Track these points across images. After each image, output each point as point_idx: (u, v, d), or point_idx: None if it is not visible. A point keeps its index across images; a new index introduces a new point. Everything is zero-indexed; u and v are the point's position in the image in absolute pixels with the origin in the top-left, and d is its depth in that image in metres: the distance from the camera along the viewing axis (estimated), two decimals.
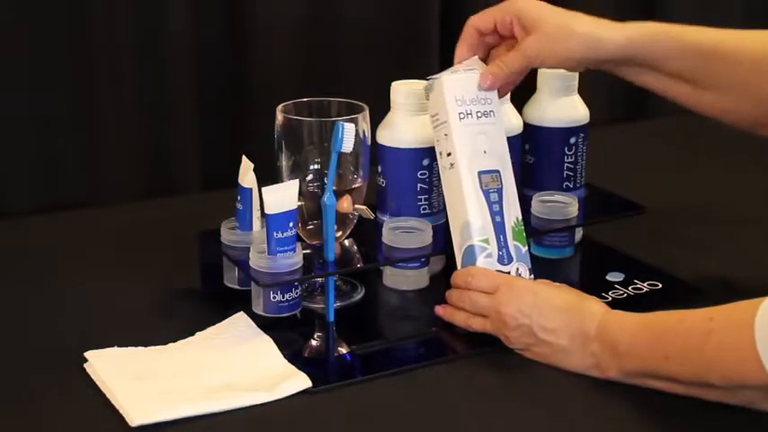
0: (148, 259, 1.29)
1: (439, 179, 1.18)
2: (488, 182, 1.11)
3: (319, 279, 1.14)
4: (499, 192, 1.11)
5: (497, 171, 1.12)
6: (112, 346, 1.06)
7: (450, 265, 1.16)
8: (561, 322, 1.03)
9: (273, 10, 1.56)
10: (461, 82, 1.12)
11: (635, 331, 0.99)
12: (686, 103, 1.17)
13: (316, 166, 1.13)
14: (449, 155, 1.11)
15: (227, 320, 1.11)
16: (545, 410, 0.99)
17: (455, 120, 1.11)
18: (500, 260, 1.10)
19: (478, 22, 1.16)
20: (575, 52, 1.13)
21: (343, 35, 1.63)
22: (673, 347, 0.96)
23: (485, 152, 1.11)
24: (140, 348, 1.06)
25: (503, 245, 1.10)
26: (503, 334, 1.06)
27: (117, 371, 1.02)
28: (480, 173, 1.11)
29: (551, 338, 1.03)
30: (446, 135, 1.11)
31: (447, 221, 1.19)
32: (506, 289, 1.06)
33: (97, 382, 1.01)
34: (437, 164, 1.17)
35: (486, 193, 1.10)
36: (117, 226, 1.39)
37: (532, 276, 1.12)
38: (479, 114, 1.12)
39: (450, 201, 1.12)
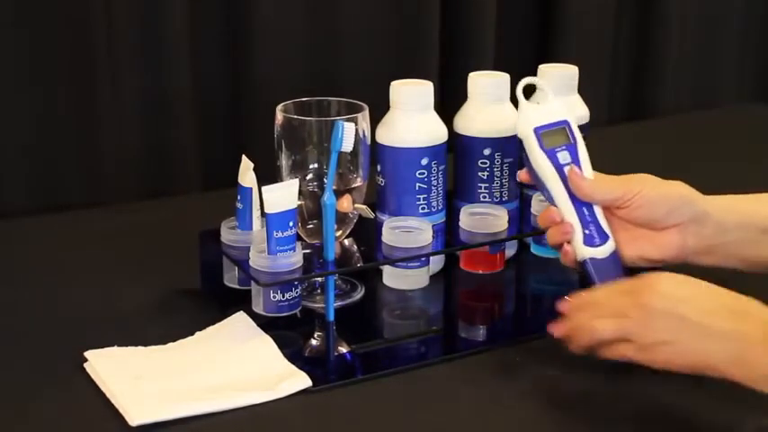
0: (148, 259, 1.29)
1: (438, 179, 1.18)
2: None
3: (319, 278, 1.14)
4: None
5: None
6: (112, 346, 1.06)
7: (451, 265, 1.16)
8: (721, 305, 0.93)
9: (273, 10, 1.56)
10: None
11: None
12: None
13: (315, 166, 1.13)
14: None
15: (227, 320, 1.11)
16: (545, 410, 0.99)
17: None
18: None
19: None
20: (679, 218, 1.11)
21: (344, 35, 1.63)
22: None
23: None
24: (140, 348, 1.06)
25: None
26: (641, 327, 0.94)
27: (117, 371, 1.02)
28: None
29: (708, 321, 0.92)
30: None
31: (447, 221, 1.20)
32: (651, 281, 0.96)
33: (97, 382, 1.01)
34: (437, 163, 1.17)
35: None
36: (117, 226, 1.39)
37: None
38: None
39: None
